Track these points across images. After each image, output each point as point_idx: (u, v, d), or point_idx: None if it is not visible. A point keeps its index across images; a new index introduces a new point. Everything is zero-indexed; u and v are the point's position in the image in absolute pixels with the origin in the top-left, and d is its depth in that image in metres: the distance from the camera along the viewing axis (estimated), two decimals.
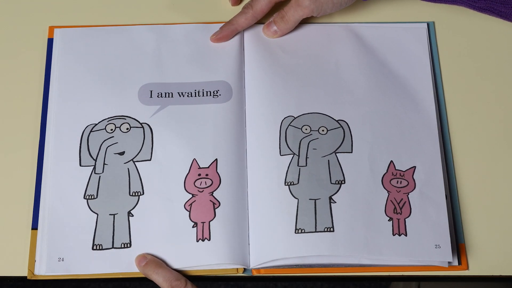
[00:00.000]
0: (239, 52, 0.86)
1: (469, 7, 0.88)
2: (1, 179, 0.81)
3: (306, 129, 0.81)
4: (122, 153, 0.80)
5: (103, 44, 0.86)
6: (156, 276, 0.74)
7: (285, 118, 0.82)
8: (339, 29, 0.88)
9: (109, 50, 0.86)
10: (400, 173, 0.79)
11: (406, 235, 0.77)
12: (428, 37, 0.88)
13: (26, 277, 0.76)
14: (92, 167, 0.80)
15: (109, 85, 0.84)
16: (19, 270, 0.77)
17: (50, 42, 0.87)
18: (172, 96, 0.84)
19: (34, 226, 0.78)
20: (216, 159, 0.80)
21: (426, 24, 0.89)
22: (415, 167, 0.80)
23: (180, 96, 0.84)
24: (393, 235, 0.77)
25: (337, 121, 0.82)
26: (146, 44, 0.86)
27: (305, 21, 0.88)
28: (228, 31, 0.86)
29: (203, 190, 0.78)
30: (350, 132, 0.81)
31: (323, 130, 0.81)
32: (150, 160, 0.80)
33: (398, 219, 0.77)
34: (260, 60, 0.85)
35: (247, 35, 0.87)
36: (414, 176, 0.79)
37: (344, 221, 0.77)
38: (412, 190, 0.79)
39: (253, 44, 0.87)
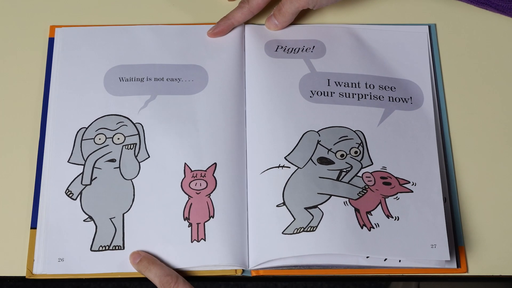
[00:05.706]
0: (240, 52, 0.87)
1: (467, 1, 0.88)
2: (0, 179, 0.81)
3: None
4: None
5: (104, 44, 0.86)
6: (149, 273, 0.74)
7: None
8: (340, 31, 0.88)
9: (110, 49, 0.86)
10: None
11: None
12: (430, 40, 0.88)
13: (24, 276, 0.76)
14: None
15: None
16: (18, 269, 0.77)
17: (51, 41, 0.87)
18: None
19: (33, 225, 0.78)
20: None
21: (427, 27, 0.88)
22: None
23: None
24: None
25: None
26: (147, 44, 0.87)
27: (307, 22, 0.88)
28: (224, 25, 0.86)
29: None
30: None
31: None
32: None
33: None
34: (261, 60, 0.86)
35: (248, 35, 0.88)
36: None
37: (341, 221, 0.76)
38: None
39: (254, 43, 0.87)
